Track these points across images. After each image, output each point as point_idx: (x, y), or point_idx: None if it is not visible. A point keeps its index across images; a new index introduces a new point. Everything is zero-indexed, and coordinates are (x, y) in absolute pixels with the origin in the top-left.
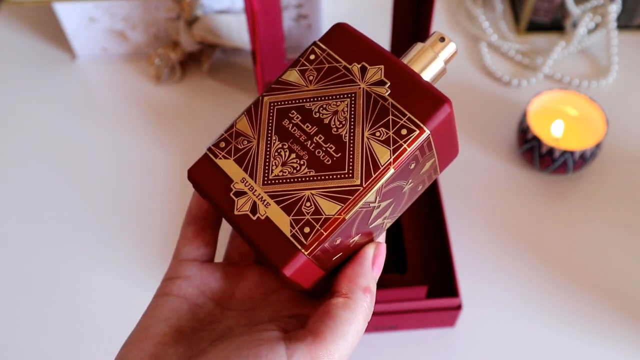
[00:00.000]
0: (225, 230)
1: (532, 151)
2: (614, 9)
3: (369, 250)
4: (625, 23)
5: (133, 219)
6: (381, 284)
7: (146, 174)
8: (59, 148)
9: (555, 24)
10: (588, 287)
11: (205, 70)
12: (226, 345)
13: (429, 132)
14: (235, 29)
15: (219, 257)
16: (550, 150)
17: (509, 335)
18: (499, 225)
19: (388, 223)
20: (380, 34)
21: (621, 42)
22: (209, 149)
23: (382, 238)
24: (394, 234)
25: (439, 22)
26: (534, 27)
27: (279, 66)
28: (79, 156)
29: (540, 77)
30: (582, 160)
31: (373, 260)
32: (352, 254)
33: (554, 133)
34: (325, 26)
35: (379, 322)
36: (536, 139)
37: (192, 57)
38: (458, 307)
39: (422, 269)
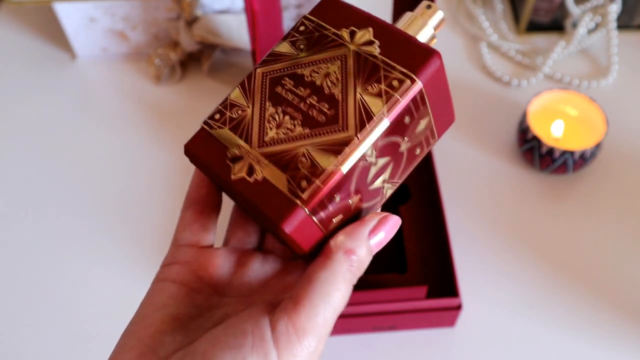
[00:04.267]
0: (225, 215)
1: (532, 151)
2: (614, 9)
3: (373, 217)
4: (625, 23)
5: (133, 218)
6: (381, 284)
7: (146, 174)
8: (59, 148)
9: (555, 24)
10: (588, 287)
11: (205, 70)
12: (216, 329)
13: (421, 84)
14: (235, 29)
15: (219, 243)
16: (550, 150)
17: (509, 335)
18: (499, 225)
19: (389, 189)
20: None
21: (621, 42)
22: (205, 122)
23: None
24: (394, 234)
25: None
26: (534, 27)
27: None
28: (79, 156)
29: (540, 77)
30: (582, 160)
31: (373, 228)
32: (352, 217)
33: (554, 133)
34: None
35: (379, 322)
36: (536, 139)
37: (192, 57)
38: (458, 307)
39: (422, 269)
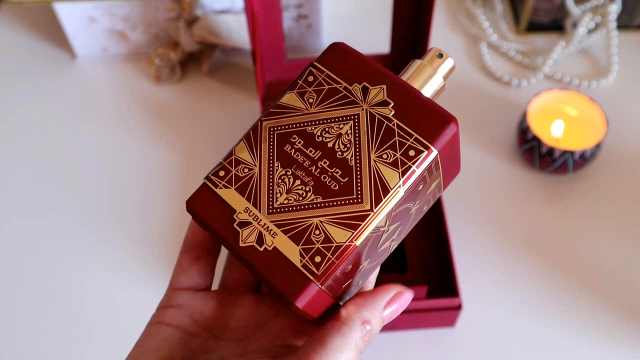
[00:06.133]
0: (222, 256)
1: (532, 151)
2: (614, 9)
3: (390, 289)
4: (625, 23)
5: (133, 219)
6: (381, 284)
7: (146, 174)
8: (59, 148)
9: (555, 24)
10: (588, 287)
11: (205, 70)
12: None
13: (437, 152)
14: (235, 29)
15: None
16: (550, 150)
17: (509, 335)
18: (499, 225)
19: (394, 245)
20: (380, 34)
21: (621, 42)
22: (208, 178)
23: (372, 278)
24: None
25: (439, 22)
26: (534, 27)
27: (279, 66)
28: (79, 156)
29: (540, 77)
30: (582, 160)
31: (390, 301)
32: (360, 279)
33: (554, 133)
34: (325, 26)
35: None
36: (536, 139)
37: (192, 57)
38: (458, 307)
39: (422, 269)
